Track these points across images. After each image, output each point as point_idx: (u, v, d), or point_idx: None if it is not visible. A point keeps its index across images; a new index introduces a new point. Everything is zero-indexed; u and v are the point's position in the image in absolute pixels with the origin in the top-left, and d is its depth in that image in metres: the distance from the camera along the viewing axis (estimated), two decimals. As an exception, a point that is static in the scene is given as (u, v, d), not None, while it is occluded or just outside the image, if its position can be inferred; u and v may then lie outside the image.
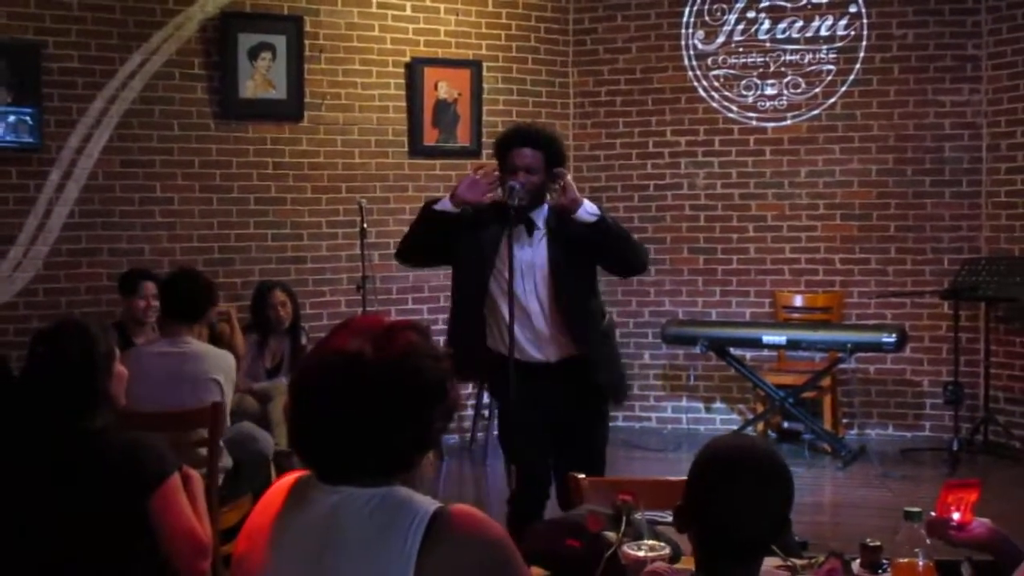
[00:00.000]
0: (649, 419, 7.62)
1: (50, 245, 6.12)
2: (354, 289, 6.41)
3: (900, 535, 2.14)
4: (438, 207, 3.88)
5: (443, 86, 7.10)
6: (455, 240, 3.95)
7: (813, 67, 7.29)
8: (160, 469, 2.65)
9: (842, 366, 6.86)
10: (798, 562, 2.31)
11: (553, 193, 3.90)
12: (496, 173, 3.94)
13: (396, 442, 1.74)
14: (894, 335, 6.50)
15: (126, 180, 6.30)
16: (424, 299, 7.07)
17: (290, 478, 1.83)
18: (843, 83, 7.25)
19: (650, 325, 7.45)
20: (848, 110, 7.26)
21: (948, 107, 7.13)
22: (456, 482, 6.52)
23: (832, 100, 7.27)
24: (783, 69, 7.34)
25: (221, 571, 3.70)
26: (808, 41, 7.29)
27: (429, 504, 1.72)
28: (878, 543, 2.27)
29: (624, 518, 2.38)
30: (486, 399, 6.68)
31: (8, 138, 5.94)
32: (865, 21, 7.20)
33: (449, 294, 4.24)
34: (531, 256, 3.91)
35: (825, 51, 7.27)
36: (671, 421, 7.60)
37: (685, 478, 1.97)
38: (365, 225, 6.24)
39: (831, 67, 7.27)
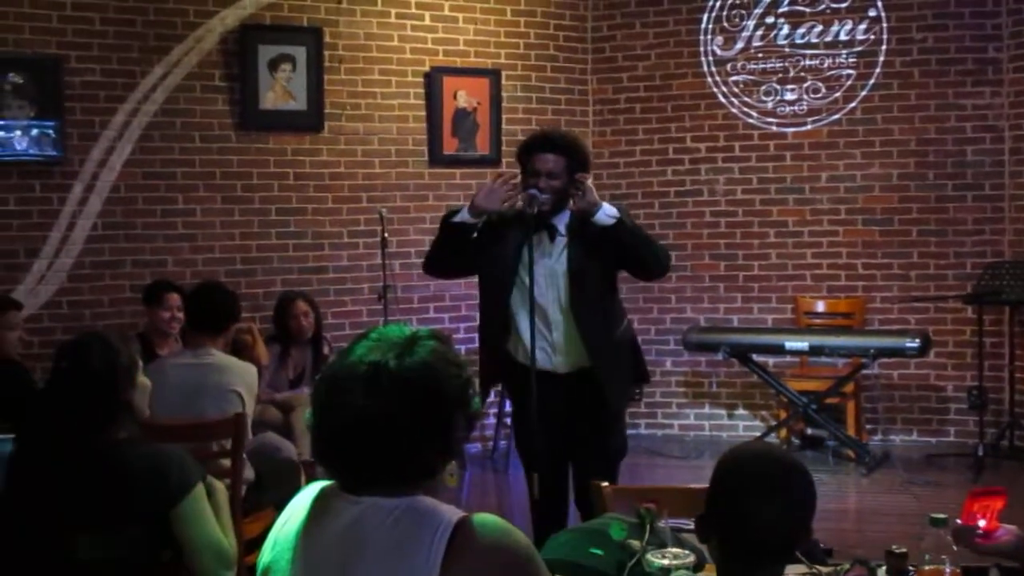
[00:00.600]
0: (671, 426, 7.60)
1: (74, 258, 6.16)
2: (375, 299, 6.43)
3: (926, 542, 2.13)
4: (457, 219, 3.88)
5: (462, 95, 7.11)
6: (479, 250, 3.95)
7: (833, 72, 7.26)
8: (184, 480, 2.68)
9: (865, 372, 6.81)
10: (823, 569, 2.30)
11: (575, 197, 3.89)
12: (515, 181, 3.93)
13: (419, 451, 1.74)
14: (917, 340, 6.47)
15: (148, 192, 6.34)
16: (446, 308, 7.08)
17: (314, 488, 1.84)
18: (863, 87, 7.22)
19: (672, 332, 7.43)
20: (868, 114, 7.22)
21: (969, 110, 7.08)
22: (478, 491, 6.52)
23: (852, 105, 7.23)
24: (803, 74, 7.31)
25: (245, 581, 3.70)
26: (827, 46, 7.27)
27: (453, 513, 1.71)
28: (904, 550, 2.26)
29: (648, 526, 2.37)
30: (508, 407, 6.67)
31: (31, 151, 5.99)
32: (885, 25, 7.17)
33: (470, 303, 4.26)
34: (553, 263, 3.91)
35: (845, 55, 7.24)
36: (693, 428, 7.58)
37: (707, 486, 1.97)
38: (386, 235, 6.26)
39: (851, 71, 7.24)
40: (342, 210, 6.85)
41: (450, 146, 7.12)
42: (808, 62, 7.30)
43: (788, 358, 7.18)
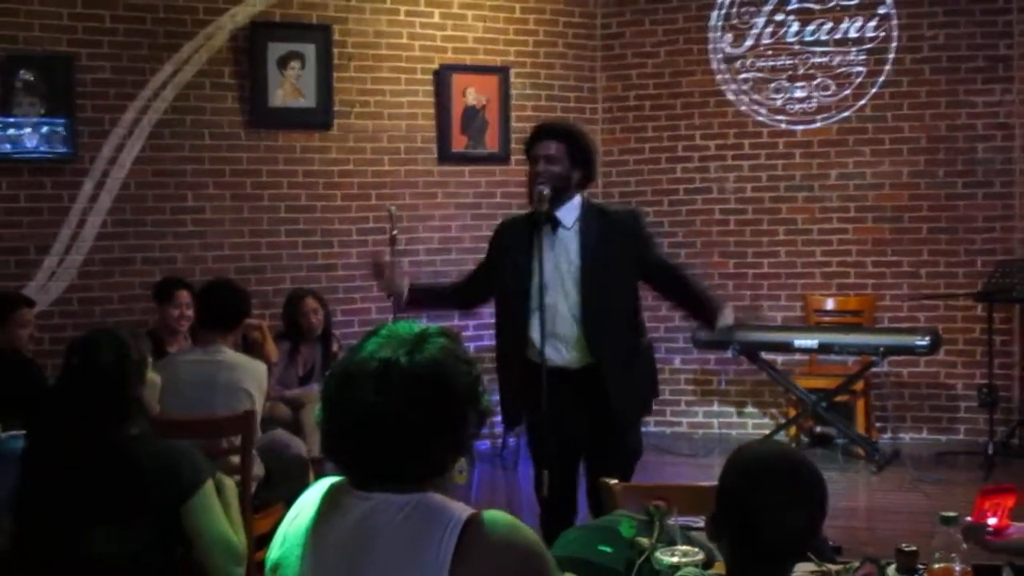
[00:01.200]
0: (680, 424, 7.60)
1: (84, 255, 6.19)
2: (385, 296, 6.41)
3: (936, 540, 2.12)
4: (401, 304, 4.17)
5: (471, 92, 7.11)
6: (493, 267, 4.06)
7: (843, 69, 7.24)
8: (194, 477, 2.69)
9: (875, 369, 6.78)
10: (832, 568, 2.27)
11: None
12: (385, 259, 4.25)
13: (429, 448, 1.75)
14: (927, 338, 6.46)
15: (158, 189, 6.36)
16: (455, 305, 7.07)
17: (323, 484, 1.84)
18: (873, 85, 7.20)
19: (681, 330, 7.36)
20: (879, 112, 7.20)
21: (980, 108, 7.06)
22: (488, 488, 6.51)
23: (862, 102, 7.21)
24: (812, 71, 7.30)
25: (255, 577, 3.71)
26: (837, 43, 7.25)
27: (463, 511, 1.71)
28: (914, 548, 2.25)
29: (657, 523, 2.37)
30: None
31: (42, 149, 6.02)
32: (895, 22, 7.15)
33: (478, 300, 4.32)
34: (559, 256, 3.88)
35: (855, 53, 7.22)
36: (702, 426, 7.57)
37: (716, 484, 1.97)
38: (395, 232, 6.24)
39: (861, 69, 7.22)
40: (351, 207, 6.86)
41: (459, 143, 7.12)
42: (818, 59, 7.28)
43: (797, 356, 7.18)
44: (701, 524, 2.15)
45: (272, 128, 6.61)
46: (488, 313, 6.95)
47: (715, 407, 7.57)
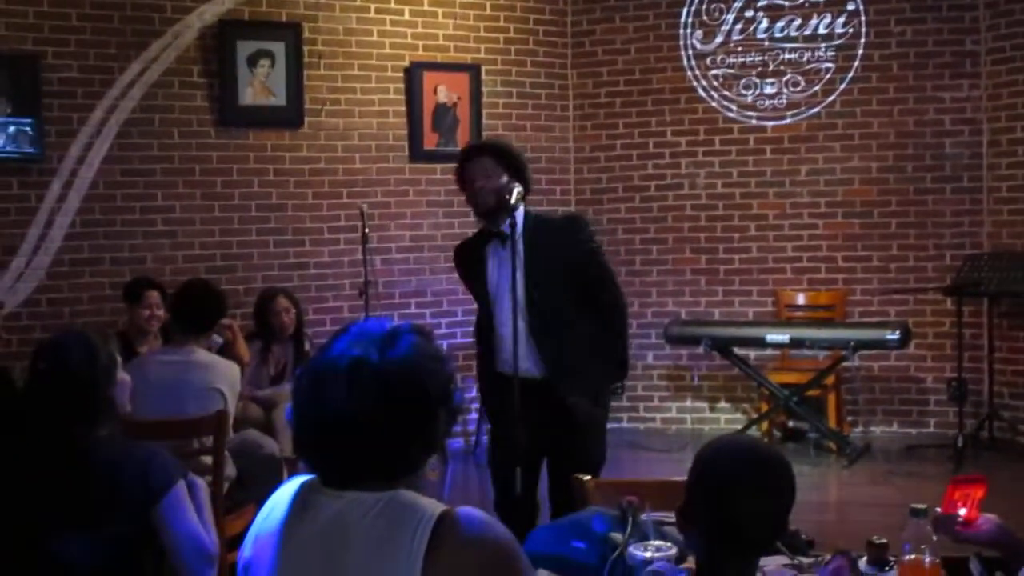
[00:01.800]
0: (653, 420, 7.61)
1: (52, 255, 6.11)
2: (357, 295, 6.40)
3: (906, 532, 2.13)
4: None
5: (442, 90, 7.10)
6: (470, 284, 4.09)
7: (812, 65, 7.28)
8: (166, 477, 2.66)
9: (846, 364, 6.83)
10: (804, 560, 2.30)
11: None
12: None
13: (401, 446, 1.74)
14: (897, 332, 6.49)
15: (127, 189, 6.30)
16: (427, 303, 7.06)
17: (293, 483, 1.82)
18: (842, 80, 7.24)
19: (653, 326, 7.41)
20: (848, 107, 7.24)
21: (948, 103, 7.11)
22: (460, 486, 6.51)
23: (832, 98, 7.25)
24: (782, 68, 7.33)
25: (227, 579, 3.68)
26: (807, 39, 7.28)
27: (435, 507, 1.71)
28: (884, 540, 2.27)
29: (630, 519, 2.36)
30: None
31: (8, 149, 5.94)
32: (863, 18, 7.18)
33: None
34: (507, 269, 3.84)
35: (824, 49, 7.26)
36: (675, 422, 7.59)
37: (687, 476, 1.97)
38: (367, 230, 6.23)
39: (830, 65, 7.26)
40: (322, 206, 6.83)
41: (431, 141, 7.10)
42: (787, 56, 7.31)
43: (769, 351, 7.21)
44: (674, 519, 2.13)
45: (242, 126, 6.57)
46: (461, 311, 6.99)
47: (688, 403, 7.59)
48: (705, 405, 7.57)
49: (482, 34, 7.28)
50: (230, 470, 4.22)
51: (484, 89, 7.25)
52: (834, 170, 7.29)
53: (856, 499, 6.02)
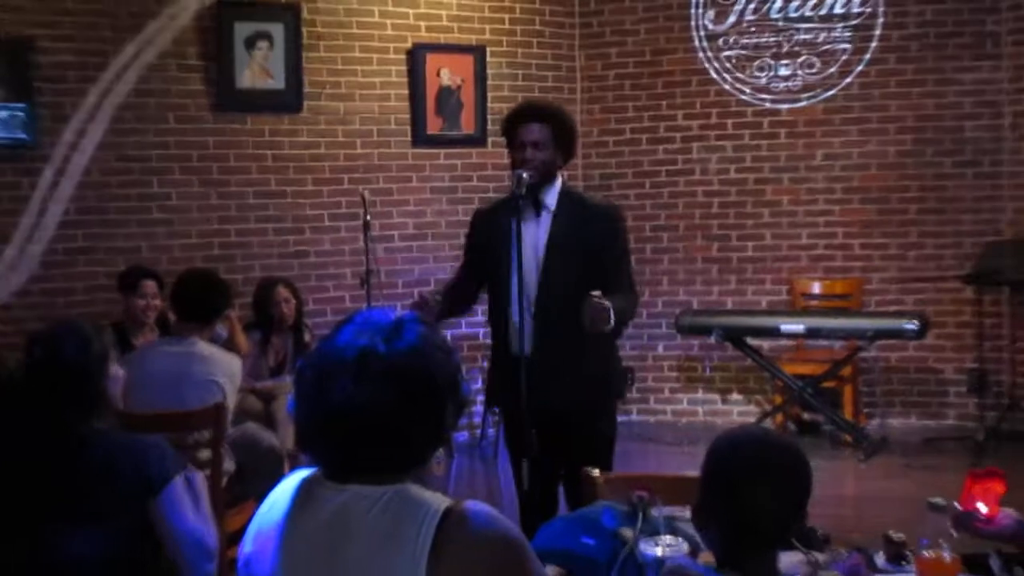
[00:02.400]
0: (664, 412, 7.55)
1: (45, 244, 6.04)
2: (358, 284, 6.33)
3: (924, 527, 2.14)
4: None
5: (446, 73, 7.01)
6: (481, 256, 3.90)
7: (828, 46, 7.17)
8: (164, 470, 2.67)
9: (863, 354, 6.77)
10: (820, 556, 2.29)
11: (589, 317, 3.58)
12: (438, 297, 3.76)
13: (407, 439, 1.73)
14: (916, 321, 6.40)
15: (122, 176, 6.23)
16: (431, 293, 6.94)
17: (296, 477, 1.82)
18: (859, 62, 7.13)
19: (664, 315, 7.36)
20: (865, 90, 7.15)
21: (968, 85, 7.01)
22: (466, 479, 6.47)
23: (848, 80, 7.16)
24: (797, 48, 7.23)
25: (227, 574, 3.62)
26: (822, 19, 7.18)
27: (440, 501, 1.70)
28: (902, 536, 2.30)
29: (640, 514, 2.36)
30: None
31: (0, 135, 5.85)
32: (881, -3, 7.08)
33: (471, 299, 4.11)
34: (535, 238, 3.76)
35: (840, 29, 7.15)
36: (687, 414, 7.53)
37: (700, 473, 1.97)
38: (368, 217, 6.16)
39: (846, 46, 7.14)
40: (323, 192, 6.76)
41: (434, 125, 7.03)
42: (802, 36, 7.22)
43: (783, 341, 7.14)
44: (686, 514, 2.15)
45: (240, 111, 6.50)
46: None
47: (699, 394, 7.52)
48: (717, 397, 7.51)
49: (487, 14, 7.21)
50: (229, 464, 4.21)
51: (489, 71, 7.17)
52: (851, 155, 7.21)
53: (873, 493, 5.94)
